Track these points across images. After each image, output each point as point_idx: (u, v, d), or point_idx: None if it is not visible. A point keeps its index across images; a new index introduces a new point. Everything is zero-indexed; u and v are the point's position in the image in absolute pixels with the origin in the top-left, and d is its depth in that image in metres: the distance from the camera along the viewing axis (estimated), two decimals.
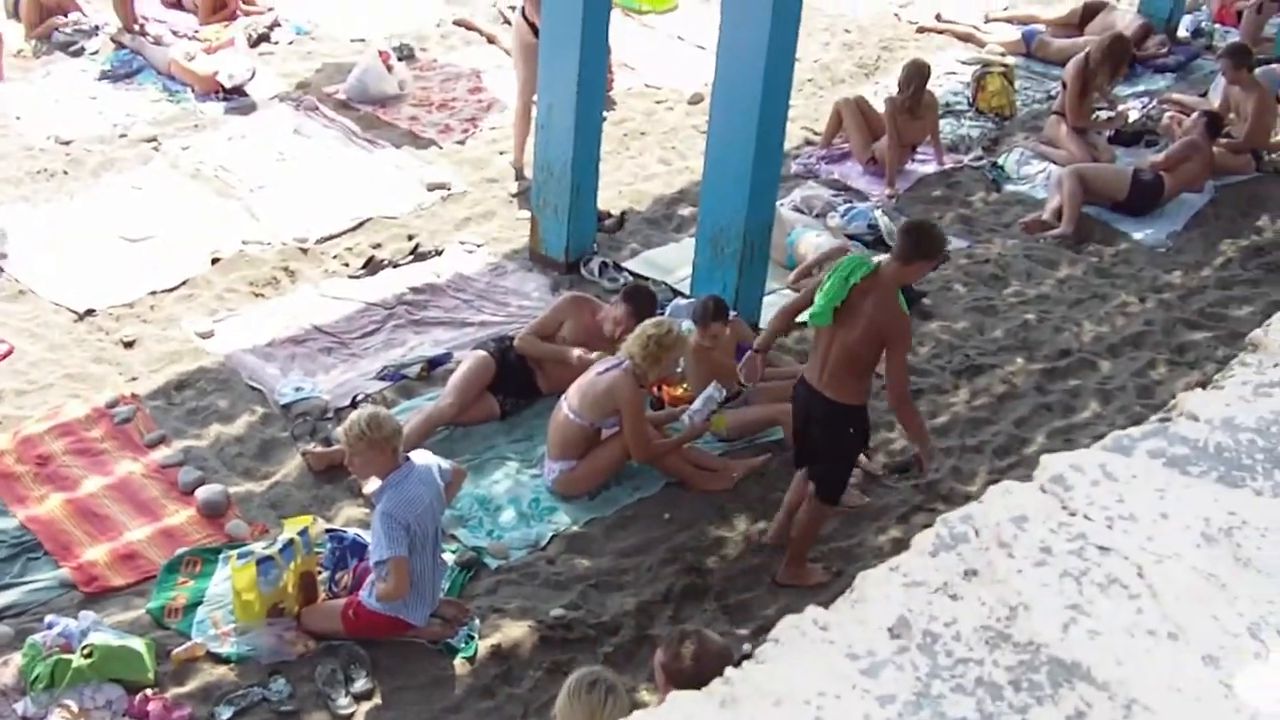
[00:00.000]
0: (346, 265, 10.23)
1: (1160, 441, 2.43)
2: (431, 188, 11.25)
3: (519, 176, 11.35)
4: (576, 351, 8.59)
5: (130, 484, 8.04)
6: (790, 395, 7.55)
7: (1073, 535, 2.23)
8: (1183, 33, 15.35)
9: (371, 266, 10.17)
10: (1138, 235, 11.44)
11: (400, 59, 13.02)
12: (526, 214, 10.52)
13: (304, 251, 10.32)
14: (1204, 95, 13.44)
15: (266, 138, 11.82)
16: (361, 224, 10.73)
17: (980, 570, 2.13)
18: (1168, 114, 12.96)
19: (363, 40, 13.61)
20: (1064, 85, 12.51)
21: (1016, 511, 2.25)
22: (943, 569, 2.14)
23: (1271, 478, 2.40)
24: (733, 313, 8.77)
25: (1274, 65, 13.91)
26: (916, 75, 11.73)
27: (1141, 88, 13.90)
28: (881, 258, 7.13)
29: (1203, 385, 2.76)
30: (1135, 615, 2.13)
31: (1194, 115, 12.18)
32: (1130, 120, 12.98)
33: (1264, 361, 2.64)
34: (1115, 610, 2.13)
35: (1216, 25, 15.76)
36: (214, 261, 10.09)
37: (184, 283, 9.86)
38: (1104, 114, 12.96)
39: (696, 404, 8.09)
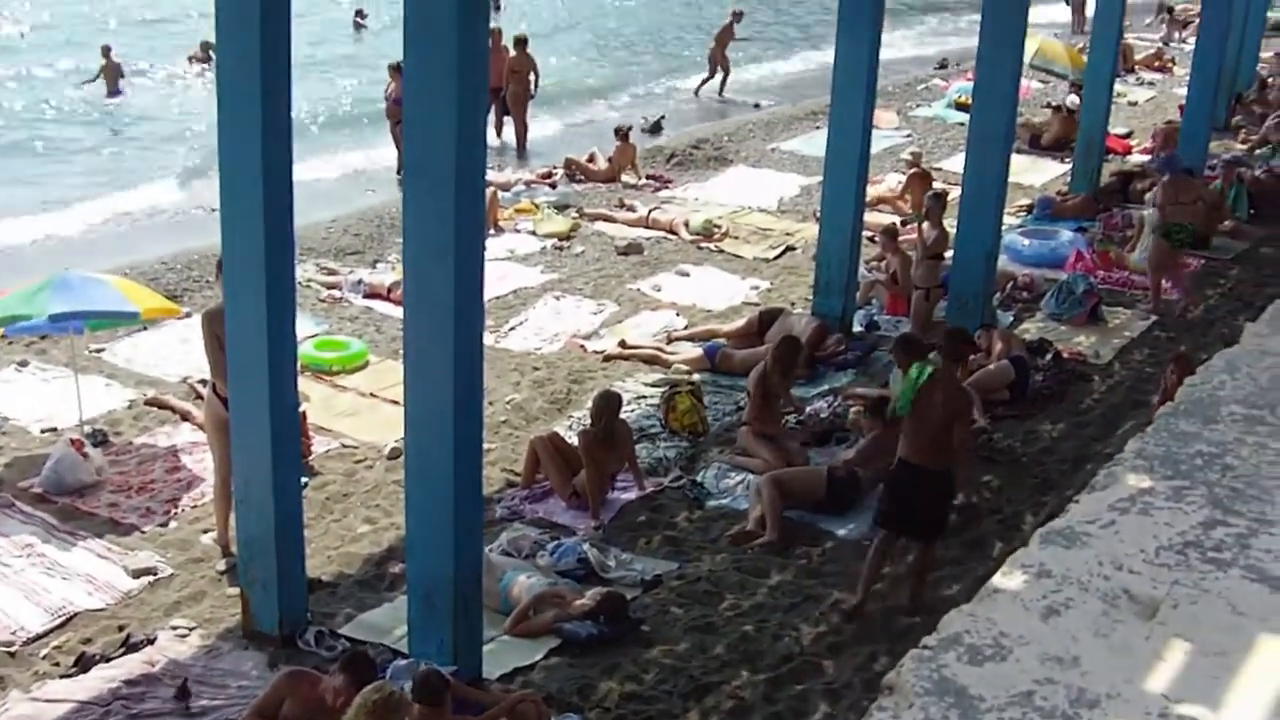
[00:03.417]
0: (57, 665, 9.84)
1: None
2: (137, 574, 10.99)
3: (225, 553, 11.16)
4: None
5: None
6: None
7: None
8: (857, 328, 16.09)
9: (83, 664, 9.80)
10: (841, 531, 11.76)
11: (95, 445, 12.81)
12: (236, 591, 10.35)
13: (11, 655, 9.92)
14: (885, 386, 13.98)
15: None
16: (69, 620, 10.39)
17: None
18: (853, 409, 13.46)
19: (54, 430, 13.37)
20: (749, 394, 12.94)
21: None
22: None
23: None
24: (451, 668, 8.73)
25: None
26: (607, 406, 12.05)
27: (825, 386, 14.47)
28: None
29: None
30: None
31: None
32: (819, 419, 13.46)
33: (899, 704, 2.74)
34: None
35: (889, 316, 16.55)
36: None
37: None
38: (792, 417, 13.42)
39: None
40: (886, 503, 10.54)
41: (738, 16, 31.33)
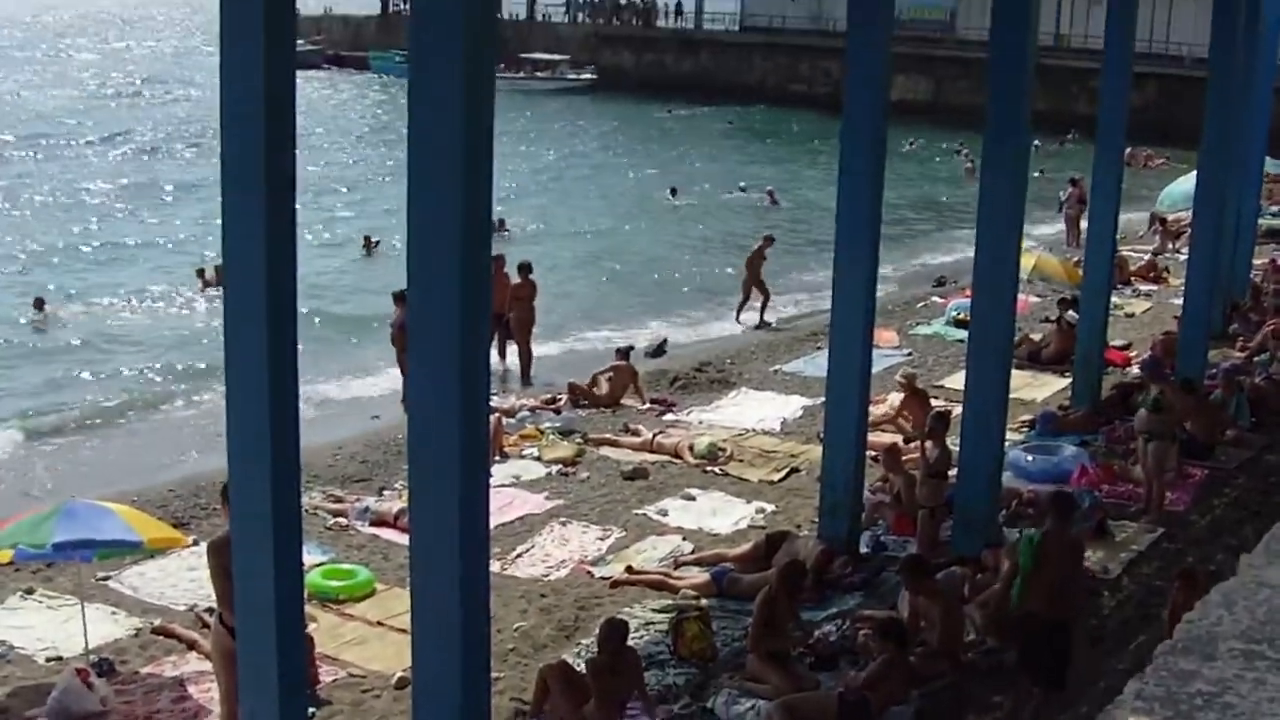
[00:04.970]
0: None
1: None
2: None
3: None
4: None
5: None
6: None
7: None
8: (864, 549, 15.91)
9: None
10: None
11: (100, 675, 12.74)
12: None
13: None
14: (893, 608, 13.93)
15: None
16: None
17: None
18: (862, 632, 13.37)
19: (60, 659, 13.32)
20: (754, 618, 12.88)
21: None
22: None
23: None
24: None
25: (954, 569, 14.58)
26: (613, 633, 11.98)
27: (834, 609, 14.34)
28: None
29: None
30: None
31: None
32: (828, 643, 13.37)
33: None
34: None
35: (895, 536, 16.45)
36: None
37: None
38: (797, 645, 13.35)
39: None
40: (1025, 657, 12.08)
41: (769, 241, 31.27)
